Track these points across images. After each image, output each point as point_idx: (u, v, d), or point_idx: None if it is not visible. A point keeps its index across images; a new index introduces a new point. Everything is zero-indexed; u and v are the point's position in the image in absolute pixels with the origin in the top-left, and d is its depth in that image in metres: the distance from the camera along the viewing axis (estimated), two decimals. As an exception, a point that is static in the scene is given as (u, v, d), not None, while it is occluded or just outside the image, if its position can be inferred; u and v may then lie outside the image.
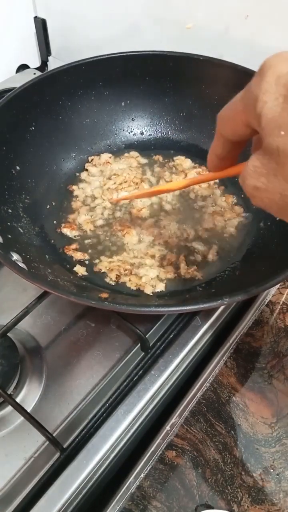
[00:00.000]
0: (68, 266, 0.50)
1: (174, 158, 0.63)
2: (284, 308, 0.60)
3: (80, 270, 0.50)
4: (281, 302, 0.61)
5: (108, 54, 0.58)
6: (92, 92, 0.60)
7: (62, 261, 0.51)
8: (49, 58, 0.86)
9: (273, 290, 0.61)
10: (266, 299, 0.59)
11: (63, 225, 0.55)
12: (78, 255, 0.51)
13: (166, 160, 0.62)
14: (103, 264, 0.51)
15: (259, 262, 0.48)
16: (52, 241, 0.53)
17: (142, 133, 0.64)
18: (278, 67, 0.22)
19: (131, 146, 0.64)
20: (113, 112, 0.62)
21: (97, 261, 0.51)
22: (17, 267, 0.39)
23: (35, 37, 0.84)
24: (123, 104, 0.62)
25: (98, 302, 0.36)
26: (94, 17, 0.73)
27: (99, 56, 0.57)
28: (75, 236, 0.54)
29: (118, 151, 0.63)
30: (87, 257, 0.52)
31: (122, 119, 0.63)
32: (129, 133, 0.64)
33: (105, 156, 0.62)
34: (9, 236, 0.45)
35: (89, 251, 0.52)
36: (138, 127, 0.64)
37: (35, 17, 0.81)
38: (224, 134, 0.29)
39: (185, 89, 0.61)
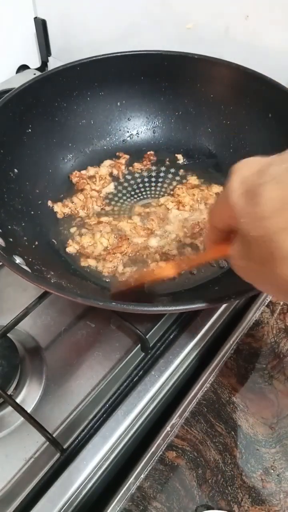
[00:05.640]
0: (70, 267, 0.51)
1: (170, 157, 0.62)
2: (284, 308, 0.60)
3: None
4: (281, 303, 0.61)
5: (102, 55, 0.58)
6: (88, 92, 0.60)
7: (64, 262, 0.51)
8: (49, 58, 0.86)
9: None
10: (266, 300, 0.59)
11: (64, 224, 0.55)
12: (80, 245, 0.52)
13: (162, 159, 0.62)
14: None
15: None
16: (53, 241, 0.53)
17: (138, 133, 0.64)
18: (242, 171, 0.28)
19: (127, 145, 0.64)
20: (109, 112, 0.62)
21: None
22: (22, 270, 0.38)
23: (35, 37, 0.84)
24: (118, 104, 0.62)
25: (106, 303, 0.36)
26: (94, 18, 0.73)
27: (94, 56, 0.57)
28: (75, 235, 0.54)
29: (114, 151, 0.63)
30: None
31: (118, 119, 0.63)
32: (125, 133, 0.64)
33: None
34: (11, 239, 0.45)
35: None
36: (134, 127, 0.64)
37: (35, 18, 0.81)
38: (215, 225, 0.33)
39: (181, 88, 0.61)
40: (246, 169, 0.29)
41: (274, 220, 0.26)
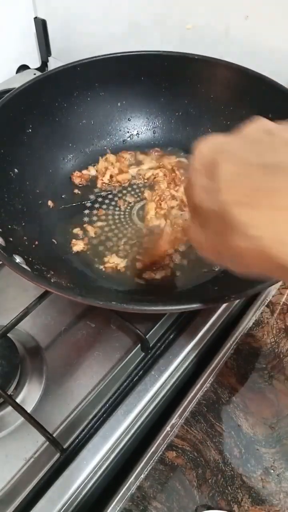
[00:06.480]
0: (70, 267, 0.51)
1: (171, 157, 0.62)
2: (284, 308, 0.60)
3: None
4: (281, 303, 0.61)
5: (103, 55, 0.58)
6: (88, 93, 0.60)
7: (64, 262, 0.51)
8: (49, 58, 0.86)
9: (273, 291, 0.61)
10: (267, 300, 0.59)
11: (64, 225, 0.55)
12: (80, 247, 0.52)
13: (162, 159, 0.62)
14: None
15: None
16: (53, 241, 0.53)
17: (138, 133, 0.64)
18: (201, 149, 0.31)
19: (127, 146, 0.64)
20: (109, 112, 0.62)
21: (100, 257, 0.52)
22: (22, 269, 0.38)
23: (35, 37, 0.84)
24: (119, 104, 0.62)
25: (105, 303, 0.36)
26: (94, 18, 0.73)
27: (94, 57, 0.57)
28: (77, 235, 0.54)
29: (114, 151, 0.63)
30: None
31: (119, 120, 0.63)
32: (125, 133, 0.64)
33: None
34: (11, 239, 0.45)
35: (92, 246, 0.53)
36: (134, 127, 0.64)
37: (35, 18, 0.81)
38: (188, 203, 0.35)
39: (181, 89, 0.60)
40: (205, 147, 0.31)
41: (227, 193, 0.27)
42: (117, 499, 0.41)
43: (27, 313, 0.44)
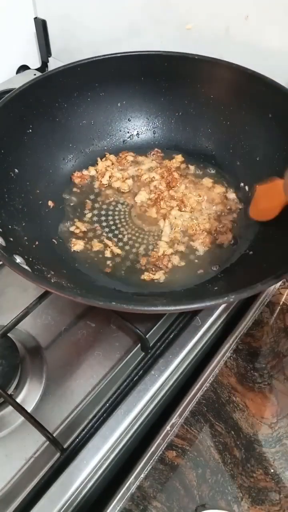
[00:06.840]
0: (70, 267, 0.51)
1: (170, 157, 0.63)
2: (284, 308, 0.60)
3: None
4: (281, 303, 0.61)
5: (103, 55, 0.58)
6: (88, 93, 0.60)
7: (65, 262, 0.51)
8: (50, 59, 0.86)
9: (273, 291, 0.61)
10: (266, 299, 0.59)
11: (64, 225, 0.55)
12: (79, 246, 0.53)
13: (162, 160, 0.62)
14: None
15: (260, 258, 0.48)
16: (53, 241, 0.53)
17: (138, 134, 0.64)
18: None
19: (127, 146, 0.64)
20: (109, 113, 0.62)
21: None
22: (23, 269, 0.38)
23: (35, 38, 0.84)
24: (119, 104, 0.62)
25: (106, 303, 0.36)
26: (94, 18, 0.73)
27: (95, 57, 0.57)
28: (77, 235, 0.54)
29: (114, 151, 0.63)
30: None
31: (119, 120, 0.63)
32: (125, 133, 0.64)
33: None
34: (11, 239, 0.45)
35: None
36: (134, 127, 0.64)
37: (35, 18, 0.81)
38: None
39: (181, 89, 0.61)
40: None
41: None
42: (117, 499, 0.41)
43: (27, 313, 0.44)
